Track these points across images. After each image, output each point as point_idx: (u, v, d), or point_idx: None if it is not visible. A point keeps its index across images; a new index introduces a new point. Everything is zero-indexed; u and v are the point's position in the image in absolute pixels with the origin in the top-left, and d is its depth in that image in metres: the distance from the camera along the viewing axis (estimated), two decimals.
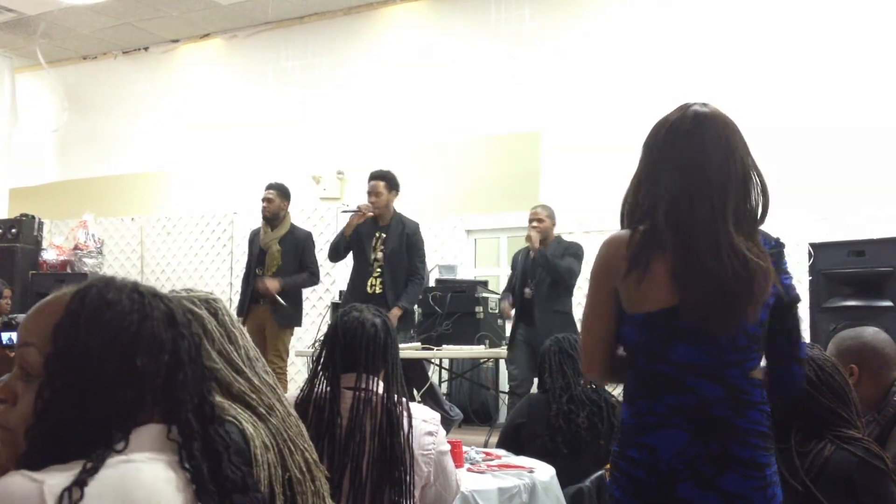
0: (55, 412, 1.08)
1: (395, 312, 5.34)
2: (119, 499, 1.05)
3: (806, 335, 4.91)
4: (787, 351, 1.78)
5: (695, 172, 1.69)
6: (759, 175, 1.74)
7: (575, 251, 5.62)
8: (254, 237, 6.17)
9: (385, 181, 5.49)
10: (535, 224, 5.62)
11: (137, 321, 1.12)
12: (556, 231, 5.84)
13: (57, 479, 1.03)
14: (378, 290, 5.45)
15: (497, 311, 6.20)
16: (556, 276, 5.49)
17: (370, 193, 5.50)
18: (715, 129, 1.72)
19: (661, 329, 1.73)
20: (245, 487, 1.18)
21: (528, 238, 5.62)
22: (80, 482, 1.02)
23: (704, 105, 1.76)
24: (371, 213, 5.45)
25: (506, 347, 5.88)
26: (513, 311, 5.73)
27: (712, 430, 1.69)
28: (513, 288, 5.83)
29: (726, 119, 1.75)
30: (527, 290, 5.64)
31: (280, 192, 6.04)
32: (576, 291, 5.79)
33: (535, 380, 5.78)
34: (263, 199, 6.02)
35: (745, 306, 1.66)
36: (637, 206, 1.76)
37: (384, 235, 5.51)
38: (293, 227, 6.04)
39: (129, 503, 1.05)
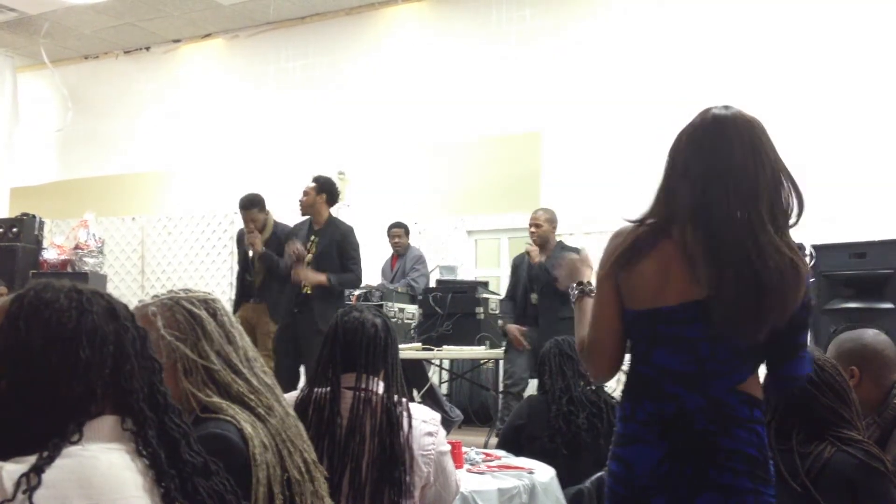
0: (6, 408, 1.12)
1: (321, 277, 5.37)
2: (77, 484, 1.08)
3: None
4: (772, 365, 1.73)
5: (722, 176, 1.64)
6: (790, 176, 1.69)
7: None
8: (241, 238, 6.25)
9: (316, 183, 5.64)
10: (532, 230, 5.61)
11: (76, 316, 1.16)
12: (558, 231, 5.82)
13: (15, 466, 1.06)
14: (308, 290, 5.48)
15: (497, 311, 6.18)
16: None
17: (303, 193, 5.66)
18: (737, 132, 1.67)
19: (645, 329, 1.71)
20: (208, 472, 1.21)
21: (528, 254, 5.61)
22: (38, 469, 1.06)
23: (726, 108, 1.72)
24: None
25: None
26: (518, 331, 5.63)
27: (691, 450, 1.64)
28: (513, 295, 5.80)
29: (750, 120, 1.70)
30: (533, 296, 5.63)
31: (262, 208, 6.13)
32: None
33: (532, 381, 5.82)
34: (246, 222, 6.03)
35: (778, 311, 1.59)
36: (656, 210, 1.72)
37: (317, 238, 5.59)
38: (276, 225, 6.06)
39: (88, 488, 1.08)
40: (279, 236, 5.98)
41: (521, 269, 5.81)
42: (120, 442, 1.14)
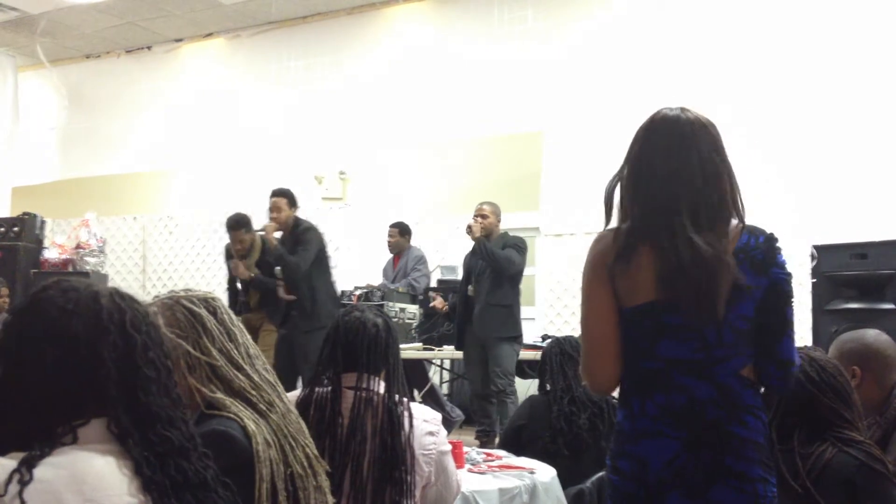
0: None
1: (274, 241, 5.41)
2: (71, 481, 1.07)
3: (808, 337, 4.92)
4: (765, 346, 1.72)
5: (647, 171, 1.75)
6: (729, 170, 1.75)
7: (515, 243, 5.55)
8: (230, 253, 6.14)
9: (287, 198, 5.62)
10: (478, 219, 5.60)
11: (54, 316, 1.15)
12: (559, 231, 5.81)
13: (7, 462, 1.07)
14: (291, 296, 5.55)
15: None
16: (494, 264, 5.42)
17: (271, 210, 5.61)
18: (669, 130, 1.76)
19: (646, 323, 1.72)
20: (205, 485, 1.19)
21: (469, 228, 5.54)
22: (28, 464, 1.06)
23: (671, 109, 1.80)
24: (276, 232, 5.58)
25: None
26: (443, 307, 5.74)
27: (706, 439, 1.66)
28: (462, 289, 5.79)
29: (692, 119, 1.77)
30: (470, 288, 5.60)
31: (249, 229, 6.01)
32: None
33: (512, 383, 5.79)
34: (234, 242, 5.96)
35: (711, 297, 1.65)
36: (621, 204, 1.81)
37: (284, 245, 5.64)
38: (265, 243, 5.94)
39: (81, 484, 1.08)
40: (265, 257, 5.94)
41: (465, 265, 5.81)
42: (111, 444, 1.15)
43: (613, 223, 1.82)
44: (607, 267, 1.73)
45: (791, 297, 1.73)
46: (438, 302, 6.11)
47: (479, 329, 5.43)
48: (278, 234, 5.70)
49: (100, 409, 1.15)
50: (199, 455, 1.21)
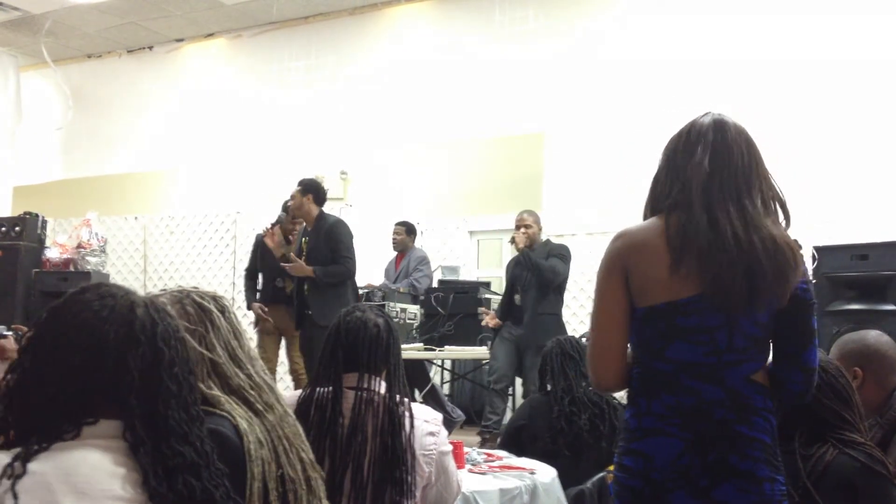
0: (23, 393, 1.16)
1: (307, 269, 5.35)
2: (64, 472, 1.09)
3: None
4: (791, 354, 1.73)
5: (722, 162, 1.74)
6: (776, 184, 1.80)
7: (560, 252, 5.58)
8: (259, 245, 6.18)
9: (301, 186, 5.61)
10: (522, 230, 5.61)
11: (88, 320, 1.17)
12: (559, 232, 5.81)
13: (2, 456, 1.10)
14: (307, 289, 5.46)
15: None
16: (539, 275, 5.46)
17: (290, 197, 5.66)
18: (737, 133, 1.78)
19: (661, 324, 1.72)
20: (212, 501, 1.19)
21: (513, 240, 5.58)
22: (23, 458, 1.08)
23: (721, 114, 1.82)
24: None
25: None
26: (492, 321, 5.69)
27: (712, 438, 1.66)
28: (506, 298, 5.78)
29: (744, 128, 1.81)
30: (516, 297, 5.63)
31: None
32: (567, 294, 5.75)
33: (518, 378, 5.81)
34: (280, 223, 6.00)
35: (772, 284, 1.66)
36: (659, 197, 1.79)
37: (307, 238, 5.58)
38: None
39: (72, 476, 1.09)
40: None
41: (509, 272, 5.82)
42: (116, 442, 1.16)
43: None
44: (638, 263, 1.73)
45: (813, 305, 1.75)
46: (490, 317, 5.83)
47: (531, 336, 5.42)
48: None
49: (115, 412, 1.16)
50: (212, 473, 1.21)
